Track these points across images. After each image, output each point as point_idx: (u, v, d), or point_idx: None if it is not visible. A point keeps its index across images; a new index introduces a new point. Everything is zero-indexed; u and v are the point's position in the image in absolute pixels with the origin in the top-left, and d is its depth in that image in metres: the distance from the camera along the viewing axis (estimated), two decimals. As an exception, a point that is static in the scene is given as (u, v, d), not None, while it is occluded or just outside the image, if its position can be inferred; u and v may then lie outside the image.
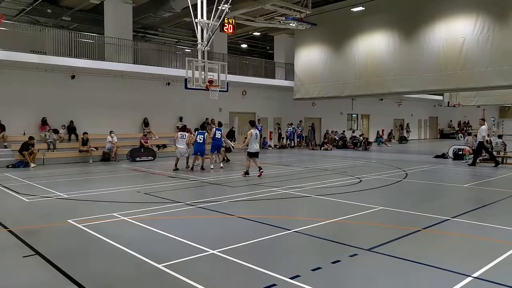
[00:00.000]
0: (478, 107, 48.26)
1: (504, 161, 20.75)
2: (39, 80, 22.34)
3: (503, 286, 5.26)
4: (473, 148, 21.42)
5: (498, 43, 20.75)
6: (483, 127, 19.51)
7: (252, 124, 16.44)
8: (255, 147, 15.85)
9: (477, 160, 20.02)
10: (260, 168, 15.82)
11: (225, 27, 20.98)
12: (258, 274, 5.72)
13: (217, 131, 18.33)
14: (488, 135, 25.34)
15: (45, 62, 21.62)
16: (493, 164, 19.35)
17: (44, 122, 22.39)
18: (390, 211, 9.63)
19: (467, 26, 21.85)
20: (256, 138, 15.98)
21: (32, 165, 19.59)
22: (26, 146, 19.75)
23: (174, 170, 18.03)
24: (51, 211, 9.96)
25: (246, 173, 15.81)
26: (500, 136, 25.84)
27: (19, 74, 21.70)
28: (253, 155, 15.86)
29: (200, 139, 17.87)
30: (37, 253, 6.61)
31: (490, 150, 20.04)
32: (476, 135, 22.19)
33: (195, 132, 19.28)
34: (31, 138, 20.13)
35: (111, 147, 22.83)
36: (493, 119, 59.07)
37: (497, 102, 43.92)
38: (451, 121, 55.87)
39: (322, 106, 37.11)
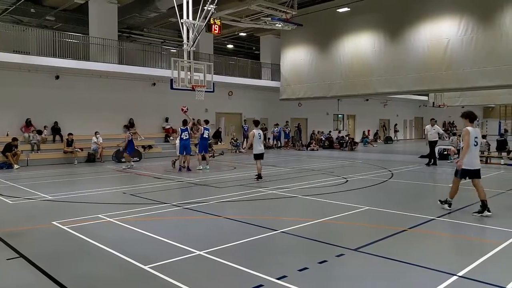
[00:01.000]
0: (463, 107, 48.67)
1: (488, 161, 20.95)
2: (22, 80, 22.09)
3: (488, 285, 5.29)
4: (458, 148, 21.57)
5: (482, 44, 20.96)
6: (435, 126, 19.89)
7: (256, 124, 15.31)
8: (258, 148, 14.79)
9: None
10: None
11: (211, 27, 20.95)
12: (245, 274, 5.70)
13: (205, 131, 18.27)
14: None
15: (29, 62, 21.40)
16: (431, 162, 19.99)
17: (28, 123, 22.17)
18: (376, 211, 9.66)
19: (451, 27, 22.04)
20: (259, 139, 14.88)
21: (16, 166, 19.37)
22: (10, 147, 19.52)
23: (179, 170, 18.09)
24: (35, 213, 9.86)
25: (259, 176, 14.77)
26: (484, 136, 26.04)
27: (1, 74, 21.41)
28: (257, 157, 14.85)
29: (186, 136, 17.81)
30: (21, 255, 6.53)
31: (433, 151, 20.31)
32: (460, 135, 22.36)
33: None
34: (14, 139, 19.92)
35: (96, 148, 22.67)
36: (477, 119, 59.66)
37: (481, 103, 44.38)
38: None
39: (308, 106, 37.19)
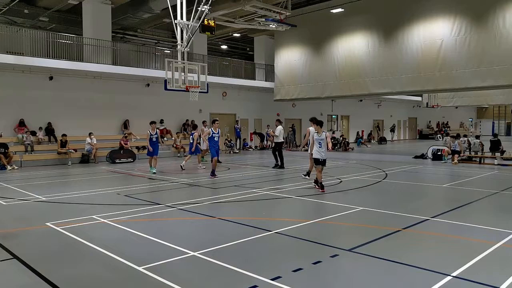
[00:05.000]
0: (456, 108, 48.96)
1: (482, 161, 21.05)
2: (16, 81, 22.00)
3: (482, 285, 5.32)
4: (452, 148, 21.65)
5: (475, 45, 21.06)
6: (279, 127, 19.04)
7: (320, 124, 12.94)
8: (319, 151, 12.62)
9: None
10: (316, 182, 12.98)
11: (205, 28, 20.92)
12: (239, 275, 5.70)
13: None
14: (466, 135, 25.73)
15: (22, 63, 21.31)
16: (278, 166, 19.06)
17: (21, 124, 22.09)
18: (370, 211, 9.68)
19: (444, 28, 22.13)
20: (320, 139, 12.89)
21: (9, 167, 19.27)
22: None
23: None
24: (29, 214, 9.81)
25: (320, 185, 12.56)
26: (477, 137, 26.21)
27: (-5, 75, 21.40)
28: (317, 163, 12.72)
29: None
30: (15, 257, 6.51)
31: (281, 153, 19.28)
32: (453, 136, 22.45)
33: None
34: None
35: (90, 149, 22.62)
36: (471, 119, 60.09)
37: (474, 103, 44.59)
38: (430, 121, 56.52)
39: (302, 107, 37.23)
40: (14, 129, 22.05)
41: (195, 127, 18.72)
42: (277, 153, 19.13)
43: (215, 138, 15.95)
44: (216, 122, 16.44)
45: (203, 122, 17.64)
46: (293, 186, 13.76)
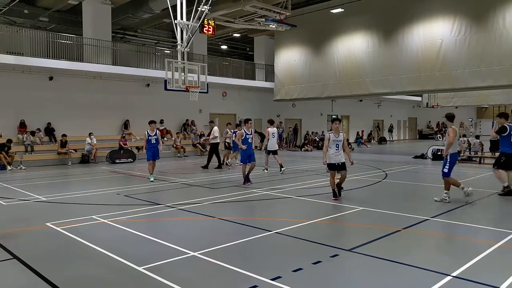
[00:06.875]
0: (456, 108, 48.91)
1: (482, 161, 21.04)
2: (16, 81, 22.00)
3: (482, 285, 5.32)
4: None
5: (475, 45, 21.06)
6: (215, 128, 19.65)
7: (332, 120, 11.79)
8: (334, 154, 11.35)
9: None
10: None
11: (204, 28, 20.99)
12: (239, 275, 5.70)
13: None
14: (465, 135, 25.72)
15: (22, 63, 21.33)
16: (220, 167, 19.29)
17: (22, 125, 22.08)
18: (370, 211, 9.68)
19: (444, 28, 22.13)
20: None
21: (9, 168, 19.27)
22: (2, 147, 19.39)
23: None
24: (29, 214, 9.81)
25: (333, 192, 11.42)
26: (477, 137, 26.18)
27: (-5, 75, 21.40)
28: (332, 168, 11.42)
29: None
30: (15, 257, 6.51)
31: (218, 154, 19.63)
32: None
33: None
34: (9, 140, 19.83)
35: (90, 149, 22.62)
36: (471, 119, 60.07)
37: (474, 103, 44.58)
38: (430, 121, 56.49)
39: (302, 107, 37.24)
40: (17, 129, 22.05)
41: (237, 125, 18.99)
42: (215, 154, 19.46)
43: (248, 140, 14.55)
44: (250, 121, 15.03)
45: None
46: (293, 186, 13.76)
